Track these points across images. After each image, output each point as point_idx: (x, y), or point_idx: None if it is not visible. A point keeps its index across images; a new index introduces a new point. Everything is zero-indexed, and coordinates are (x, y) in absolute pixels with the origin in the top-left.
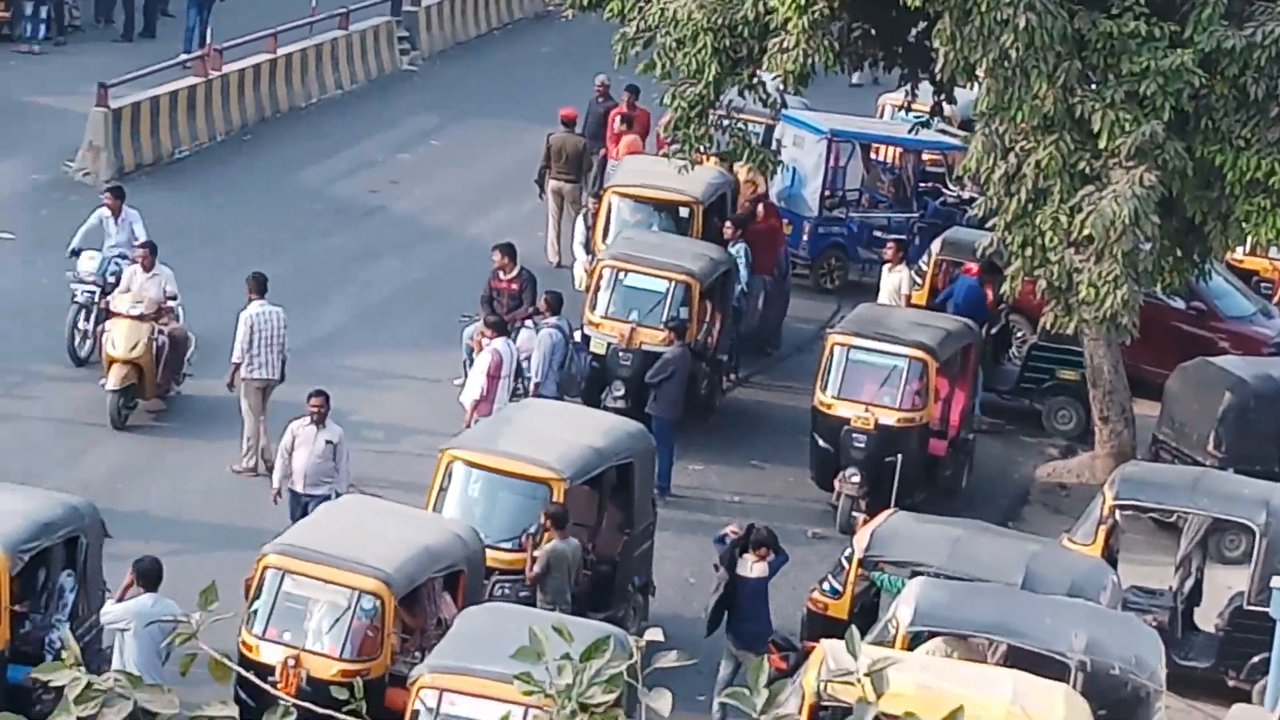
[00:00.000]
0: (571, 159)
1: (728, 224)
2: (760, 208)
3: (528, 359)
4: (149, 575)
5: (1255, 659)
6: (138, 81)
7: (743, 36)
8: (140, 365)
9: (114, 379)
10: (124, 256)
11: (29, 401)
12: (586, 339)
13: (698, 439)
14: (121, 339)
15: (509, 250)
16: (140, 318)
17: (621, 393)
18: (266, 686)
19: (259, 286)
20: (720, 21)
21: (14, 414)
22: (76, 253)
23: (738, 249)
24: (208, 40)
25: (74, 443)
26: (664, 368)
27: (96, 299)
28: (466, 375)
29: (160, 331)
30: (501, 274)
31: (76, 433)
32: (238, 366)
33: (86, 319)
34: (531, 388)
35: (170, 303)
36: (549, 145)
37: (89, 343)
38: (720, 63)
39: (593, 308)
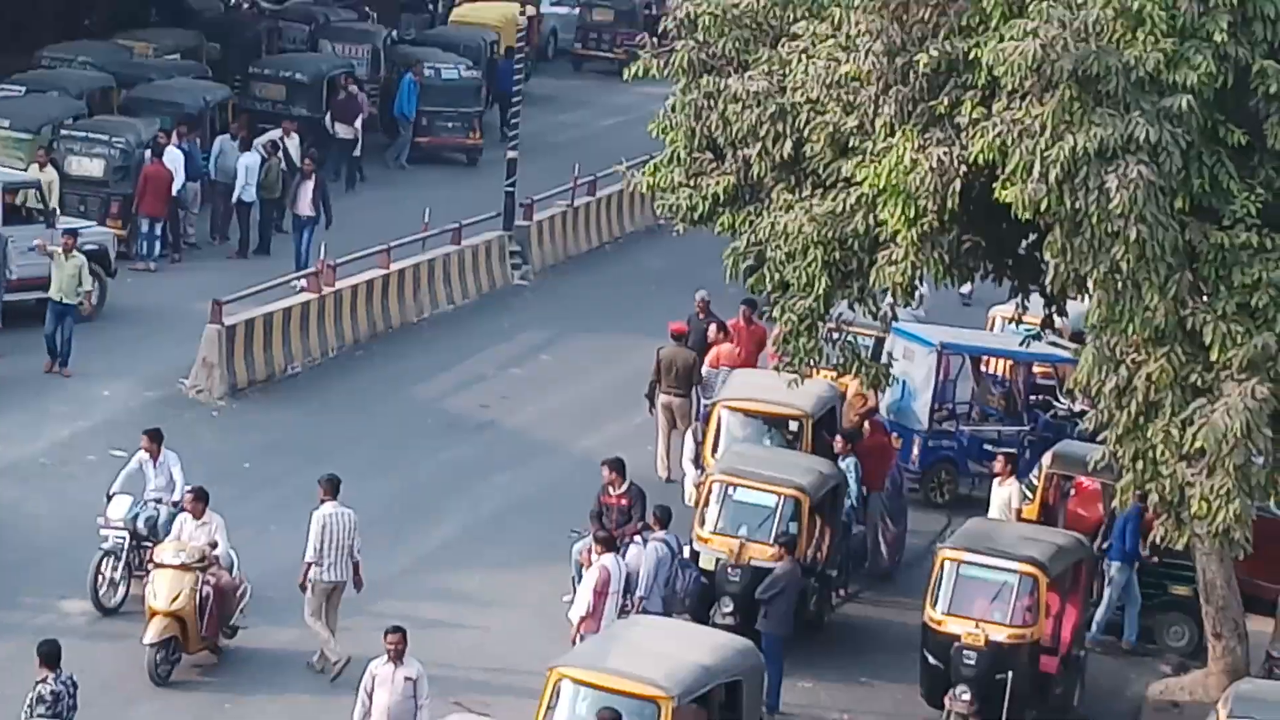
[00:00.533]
0: (681, 373)
1: (838, 438)
2: (867, 424)
3: (636, 575)
4: None
5: None
6: (251, 298)
7: (853, 250)
8: (183, 617)
9: (153, 632)
10: (159, 501)
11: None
12: (695, 555)
13: (807, 655)
14: (163, 590)
15: (618, 465)
16: (183, 566)
17: (730, 609)
18: None
19: (332, 489)
20: (830, 235)
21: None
22: (112, 496)
23: (848, 463)
24: (320, 257)
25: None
26: (773, 584)
27: (125, 545)
28: (575, 591)
29: (205, 581)
30: (610, 489)
31: (110, 689)
32: (309, 565)
33: (114, 566)
34: (636, 603)
35: (214, 551)
36: (659, 360)
37: (118, 591)
38: (830, 276)
39: (701, 523)
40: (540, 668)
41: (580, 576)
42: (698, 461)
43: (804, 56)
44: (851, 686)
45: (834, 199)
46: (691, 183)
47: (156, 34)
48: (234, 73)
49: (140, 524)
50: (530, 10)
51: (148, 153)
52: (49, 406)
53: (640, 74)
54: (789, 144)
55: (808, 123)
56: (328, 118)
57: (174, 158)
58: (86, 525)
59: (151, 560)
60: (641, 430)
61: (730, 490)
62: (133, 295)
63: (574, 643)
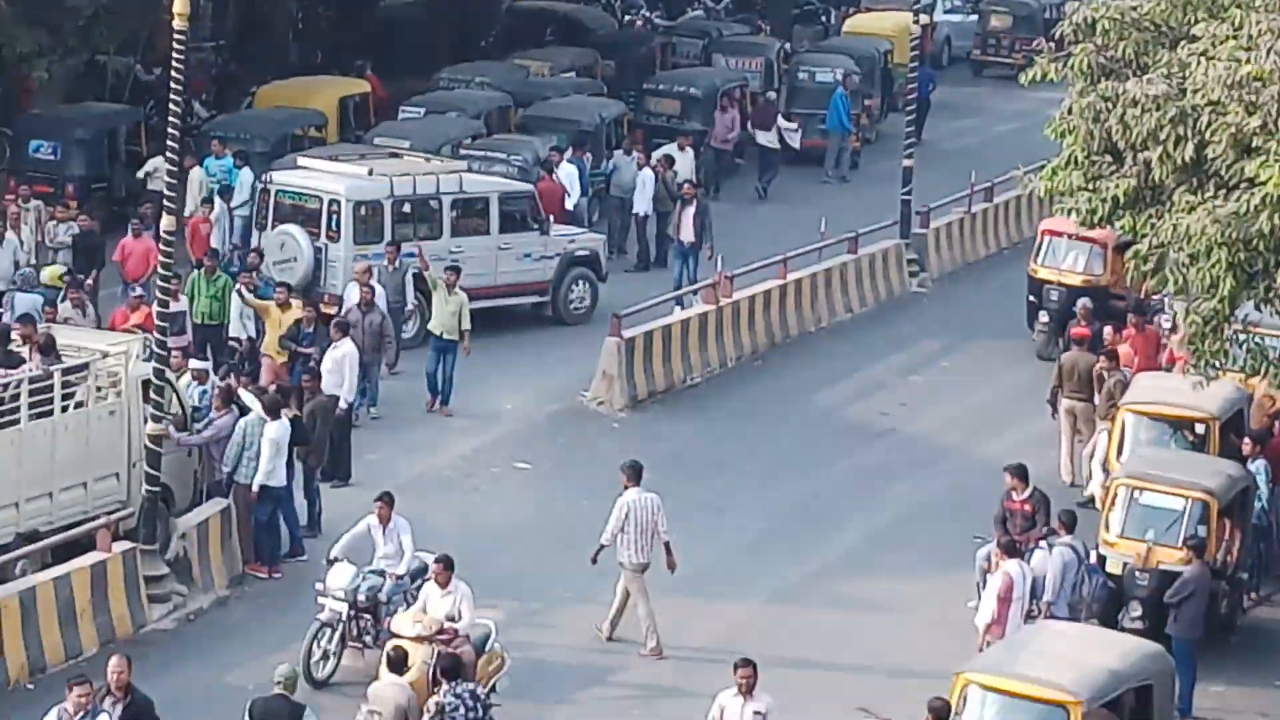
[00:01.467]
0: (1084, 378)
1: (1246, 440)
2: (1277, 426)
3: (1042, 580)
4: None
5: None
6: (649, 310)
7: (1258, 250)
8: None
9: None
10: (383, 573)
11: None
12: (1102, 559)
13: (1218, 659)
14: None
15: (1020, 472)
16: (419, 639)
17: (1139, 613)
18: None
19: (635, 475)
20: (1235, 236)
21: None
22: (333, 561)
23: (1257, 465)
24: (718, 268)
25: None
26: (1183, 587)
27: (344, 617)
28: (979, 598)
29: (442, 655)
30: (1014, 495)
31: None
32: (602, 547)
33: (329, 638)
34: (1043, 608)
35: (453, 624)
36: (1060, 365)
37: (329, 664)
38: (1235, 277)
39: (1108, 527)
40: (945, 674)
41: (984, 583)
42: (1104, 465)
43: (1204, 58)
44: (1267, 690)
45: (1238, 200)
46: (1091, 186)
47: (552, 53)
48: (628, 89)
49: (362, 595)
50: (924, 19)
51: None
52: (452, 420)
53: (1037, 79)
54: (1190, 147)
55: (1209, 125)
56: (748, 124)
57: (568, 174)
58: (489, 538)
59: (389, 630)
60: (1044, 436)
61: (1137, 494)
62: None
63: (980, 649)
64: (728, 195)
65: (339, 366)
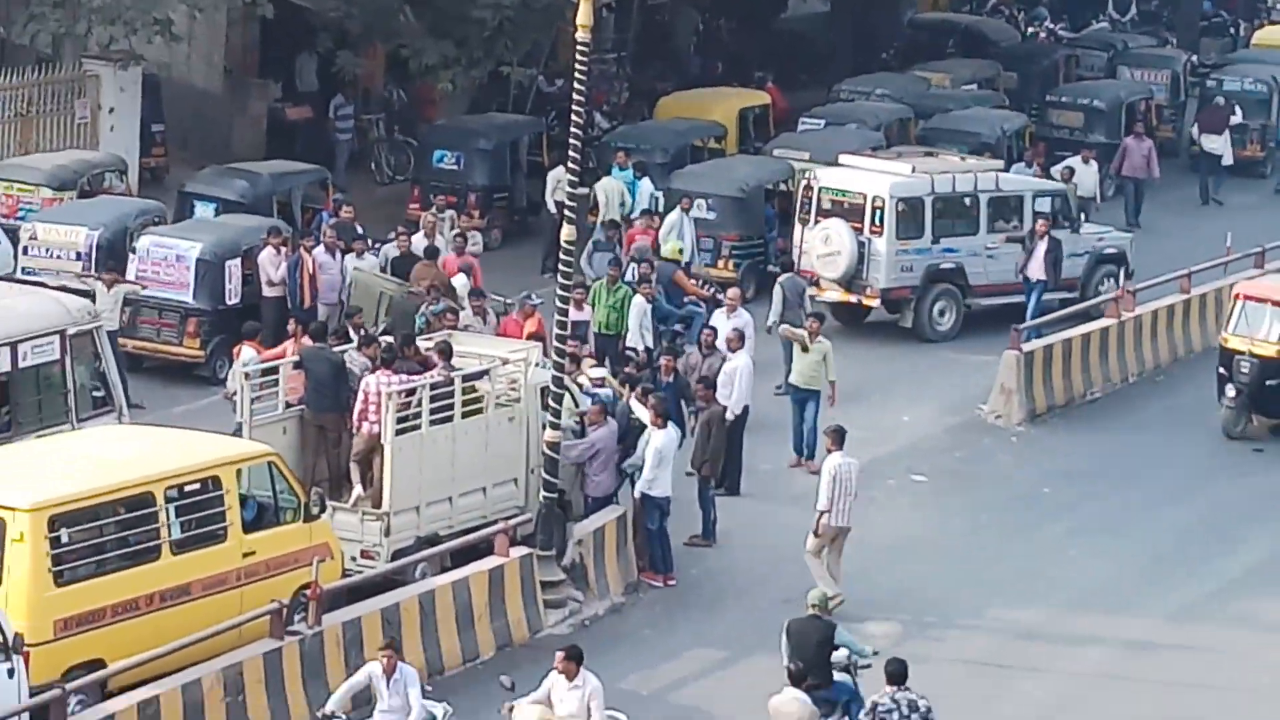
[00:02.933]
0: None
1: None
2: None
3: None
4: None
5: None
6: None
7: None
8: None
9: None
10: None
11: None
12: None
13: None
14: None
15: None
16: None
17: None
18: None
19: (839, 439)
20: None
21: None
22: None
23: None
24: (1121, 283)
25: None
26: None
27: None
28: None
29: None
30: None
31: None
32: (823, 514)
33: None
34: None
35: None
36: None
37: None
38: None
39: None
40: None
41: None
42: None
43: None
44: None
45: None
46: None
47: (954, 65)
48: (1030, 101)
49: None
50: None
51: None
52: (850, 433)
53: None
54: None
55: None
56: (1194, 129)
57: None
58: (884, 550)
59: None
60: None
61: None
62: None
63: None
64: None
65: (730, 379)
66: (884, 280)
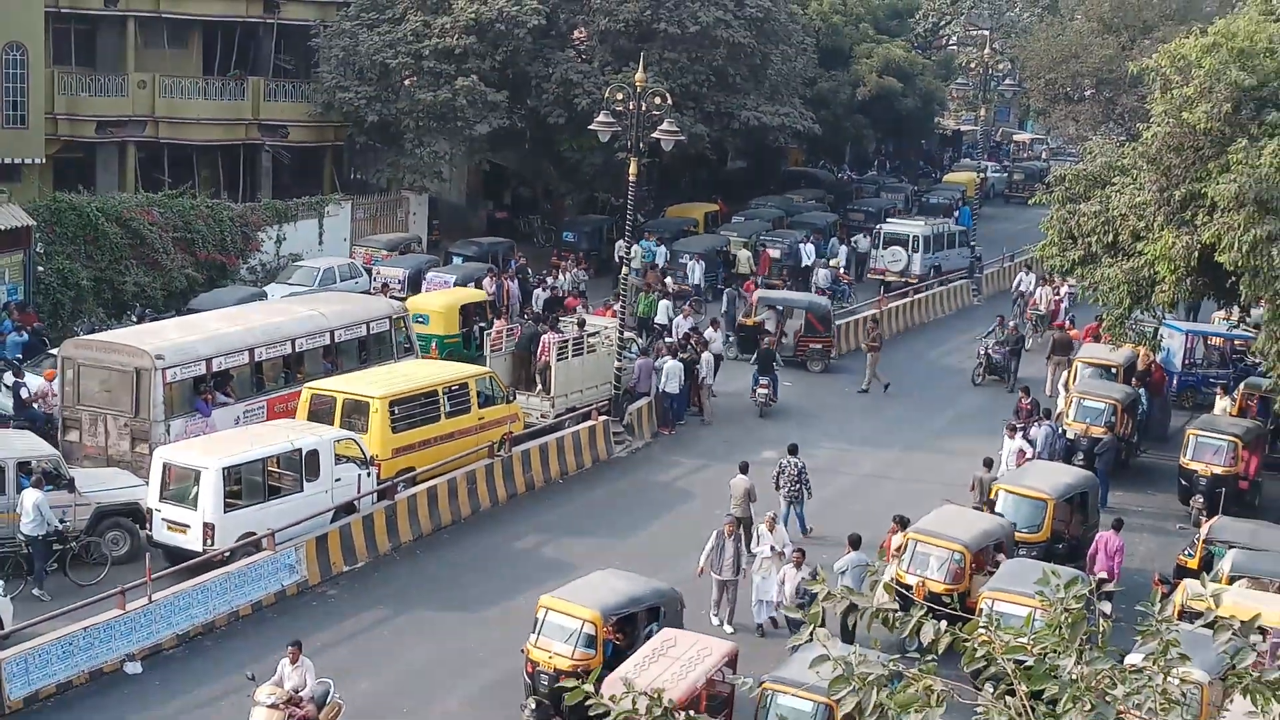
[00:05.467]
0: None
1: (1134, 378)
2: (1152, 368)
3: None
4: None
5: None
6: None
7: (1142, 286)
8: None
9: None
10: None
11: None
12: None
13: (1117, 480)
14: None
15: None
16: (274, 706)
17: (1082, 460)
18: None
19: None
20: (1130, 279)
21: None
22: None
23: (1139, 390)
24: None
25: None
26: (1103, 445)
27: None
28: None
29: (292, 716)
30: None
31: None
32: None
33: None
34: None
35: (299, 694)
36: None
37: None
38: (1131, 298)
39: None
40: None
41: None
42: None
43: (1117, 193)
44: (1150, 495)
45: (1132, 262)
46: (1060, 255)
47: (804, 190)
48: (840, 208)
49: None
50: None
51: None
52: None
53: (1039, 202)
54: (1110, 236)
55: (1119, 225)
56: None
57: None
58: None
59: (251, 698)
60: None
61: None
62: None
63: None
64: None
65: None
66: None
